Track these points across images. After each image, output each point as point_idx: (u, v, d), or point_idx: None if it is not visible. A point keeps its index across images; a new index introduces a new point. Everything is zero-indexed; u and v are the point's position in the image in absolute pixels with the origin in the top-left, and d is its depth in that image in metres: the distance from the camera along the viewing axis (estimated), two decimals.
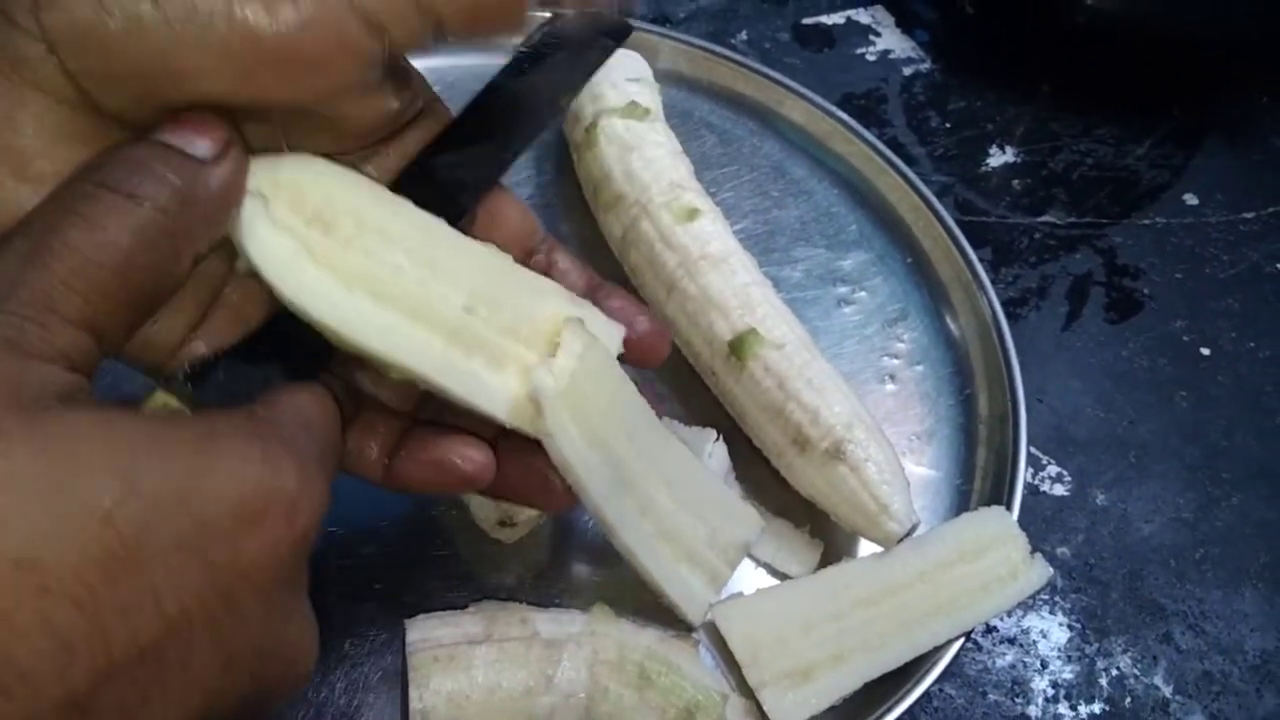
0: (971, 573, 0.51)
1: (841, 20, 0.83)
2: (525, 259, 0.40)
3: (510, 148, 0.39)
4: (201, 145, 0.32)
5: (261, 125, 0.35)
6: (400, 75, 0.36)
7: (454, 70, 0.63)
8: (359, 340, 0.34)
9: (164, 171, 0.30)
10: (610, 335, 0.39)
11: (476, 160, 0.38)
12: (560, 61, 0.40)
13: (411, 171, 0.38)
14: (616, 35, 0.41)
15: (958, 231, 0.65)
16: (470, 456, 0.38)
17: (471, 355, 0.36)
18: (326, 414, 0.34)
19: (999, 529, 0.53)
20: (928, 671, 0.50)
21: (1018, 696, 0.55)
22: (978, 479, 0.58)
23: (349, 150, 0.37)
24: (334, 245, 0.35)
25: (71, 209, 0.29)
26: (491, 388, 0.36)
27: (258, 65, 0.31)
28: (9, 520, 0.24)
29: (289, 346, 0.35)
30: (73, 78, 0.30)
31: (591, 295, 0.41)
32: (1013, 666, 0.56)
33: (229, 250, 0.34)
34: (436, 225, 0.37)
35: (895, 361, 0.63)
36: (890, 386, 0.62)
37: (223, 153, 0.32)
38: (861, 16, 0.83)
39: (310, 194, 0.35)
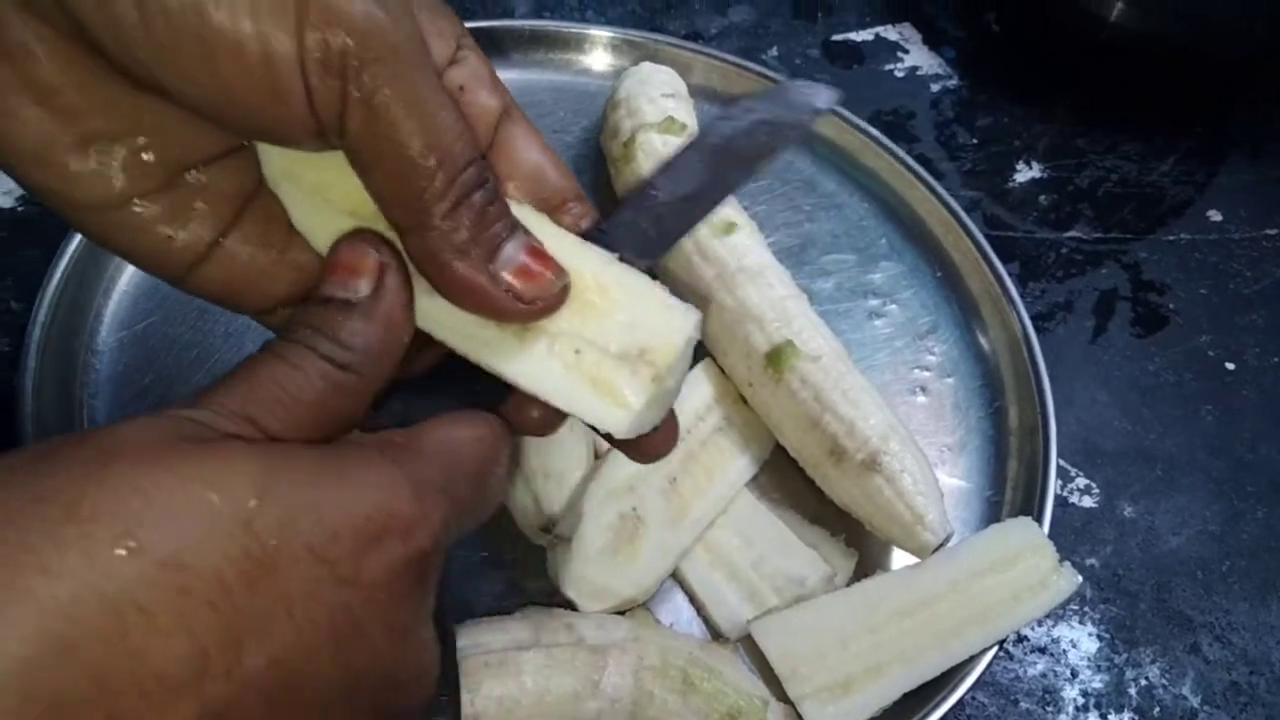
0: (1003, 582, 0.52)
1: (870, 37, 0.83)
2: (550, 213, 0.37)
3: (711, 199, 0.38)
4: (359, 285, 0.32)
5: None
6: None
7: None
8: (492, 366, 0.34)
9: (339, 335, 0.31)
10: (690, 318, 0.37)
11: (674, 213, 0.37)
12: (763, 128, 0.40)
13: (605, 224, 0.37)
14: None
15: (987, 246, 0.66)
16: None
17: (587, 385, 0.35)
18: (479, 446, 0.33)
19: (1028, 539, 0.53)
20: (962, 680, 0.50)
21: (1049, 705, 0.55)
22: (1008, 490, 0.59)
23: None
24: None
25: (278, 354, 0.31)
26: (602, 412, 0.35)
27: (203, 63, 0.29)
28: (157, 522, 0.25)
29: (468, 381, 0.34)
30: (69, 14, 0.30)
31: None
32: (1044, 675, 0.56)
33: (253, 161, 0.34)
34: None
35: (926, 374, 0.63)
36: (921, 398, 0.62)
37: (380, 281, 0.33)
38: (890, 34, 0.84)
39: None
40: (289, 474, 0.27)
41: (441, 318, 0.34)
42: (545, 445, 0.51)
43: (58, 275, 0.57)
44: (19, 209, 0.65)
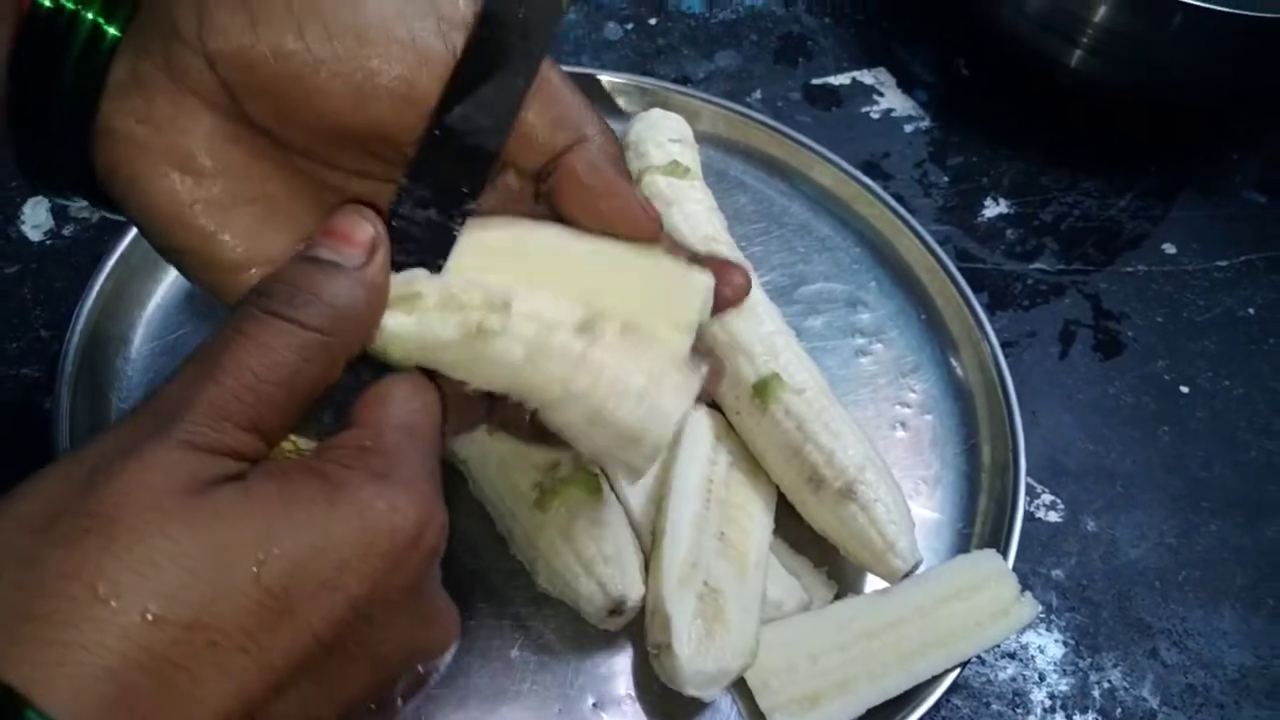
0: (966, 609, 0.53)
1: (847, 81, 0.85)
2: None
3: (521, 76, 0.35)
4: (352, 253, 0.33)
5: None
6: None
7: None
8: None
9: (321, 293, 0.32)
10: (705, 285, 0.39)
11: (489, 103, 0.35)
12: None
13: (430, 136, 0.35)
14: None
15: (968, 290, 0.67)
16: None
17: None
18: (428, 409, 0.34)
19: (992, 570, 0.55)
20: (925, 698, 0.52)
21: (1018, 707, 0.58)
22: (978, 523, 0.60)
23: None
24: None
25: (241, 331, 0.31)
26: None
27: (375, 102, 0.34)
28: (175, 592, 0.26)
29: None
30: (228, 90, 0.33)
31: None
32: (1013, 679, 0.58)
33: None
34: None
35: (907, 410, 0.65)
36: (901, 433, 0.64)
37: (371, 254, 0.33)
38: (865, 78, 0.86)
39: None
40: (289, 520, 0.28)
41: (520, 380, 0.35)
42: (598, 531, 0.52)
43: (97, 287, 0.60)
44: (48, 242, 0.67)
